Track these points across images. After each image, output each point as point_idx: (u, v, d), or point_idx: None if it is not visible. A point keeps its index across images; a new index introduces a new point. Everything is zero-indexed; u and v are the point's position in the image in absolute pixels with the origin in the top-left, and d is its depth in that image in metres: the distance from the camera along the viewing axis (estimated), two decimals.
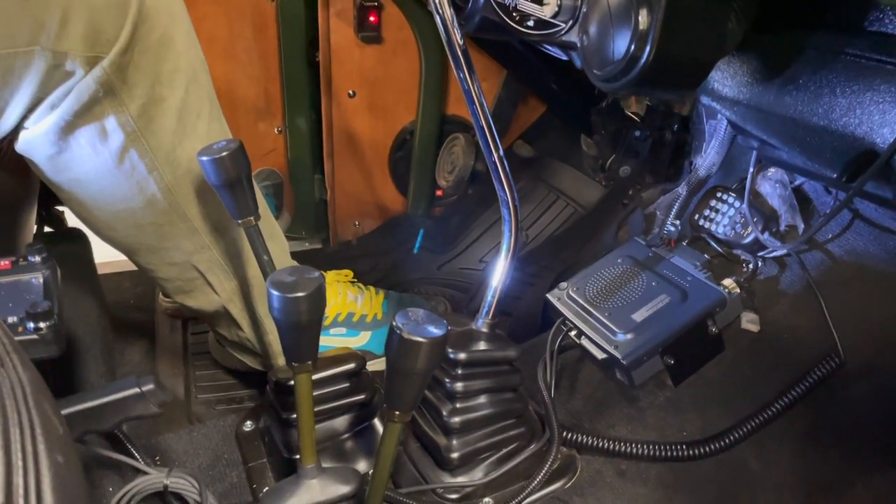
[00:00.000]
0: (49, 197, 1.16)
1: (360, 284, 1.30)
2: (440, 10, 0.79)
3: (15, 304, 0.76)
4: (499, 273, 0.90)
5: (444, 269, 1.63)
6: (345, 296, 1.25)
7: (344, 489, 0.79)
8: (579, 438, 0.97)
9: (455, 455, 0.90)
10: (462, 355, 0.88)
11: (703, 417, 1.01)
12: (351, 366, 0.95)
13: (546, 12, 0.78)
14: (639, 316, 1.01)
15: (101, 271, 1.26)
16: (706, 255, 1.11)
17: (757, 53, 0.78)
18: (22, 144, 0.80)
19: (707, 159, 1.09)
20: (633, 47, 0.65)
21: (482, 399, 0.91)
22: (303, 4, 1.43)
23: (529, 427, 0.96)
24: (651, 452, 0.95)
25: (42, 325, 0.73)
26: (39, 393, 0.44)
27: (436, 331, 0.65)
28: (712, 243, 1.16)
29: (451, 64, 0.81)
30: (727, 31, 0.70)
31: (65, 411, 0.74)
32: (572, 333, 1.05)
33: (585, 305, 1.05)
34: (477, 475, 0.92)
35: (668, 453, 0.95)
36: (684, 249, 1.13)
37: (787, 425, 0.96)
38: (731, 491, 0.94)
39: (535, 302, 1.38)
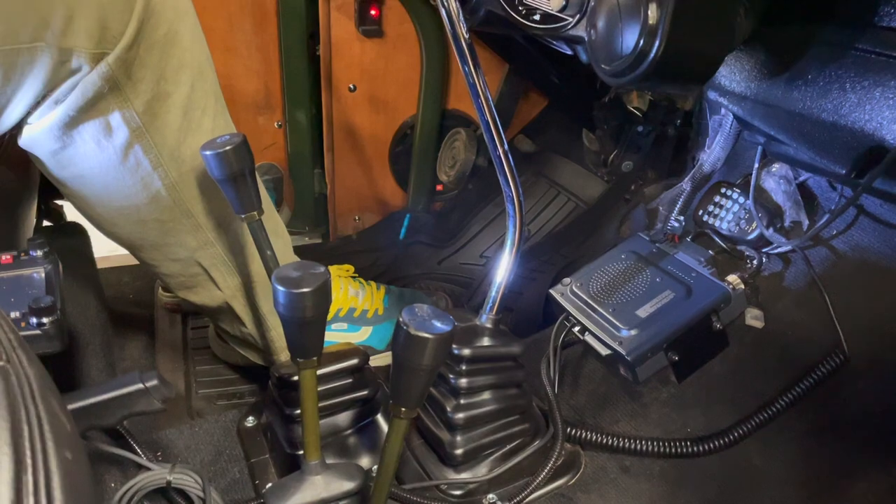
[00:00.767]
0: (49, 191, 1.15)
1: (361, 280, 1.30)
2: (445, 4, 0.79)
3: (17, 299, 0.75)
4: (503, 268, 0.89)
5: (445, 264, 1.62)
6: (346, 291, 1.24)
7: (348, 485, 0.79)
8: (583, 434, 0.97)
9: (459, 451, 0.90)
10: (466, 351, 0.88)
11: (707, 414, 1.01)
12: (354, 361, 0.94)
13: (553, 6, 0.77)
14: (643, 312, 1.01)
15: (100, 266, 1.25)
16: (710, 251, 1.11)
17: (765, 48, 0.77)
18: (25, 140, 0.80)
19: (712, 154, 1.09)
20: (642, 42, 0.64)
21: (486, 395, 0.91)
22: None
23: (533, 423, 0.96)
24: (655, 449, 0.95)
25: (45, 320, 0.73)
26: (46, 389, 0.44)
27: (442, 326, 0.65)
28: (716, 239, 1.15)
29: (455, 58, 0.81)
30: (736, 25, 0.69)
31: (69, 407, 0.73)
32: (576, 329, 1.04)
33: (589, 301, 1.05)
34: (481, 471, 0.91)
35: (672, 449, 0.95)
36: (688, 245, 1.13)
37: (791, 422, 0.96)
38: (734, 487, 0.94)
39: (536, 297, 1.38)
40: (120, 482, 0.84)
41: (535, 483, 0.91)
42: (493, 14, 0.82)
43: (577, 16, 0.77)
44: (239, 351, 1.13)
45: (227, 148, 0.79)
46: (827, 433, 0.95)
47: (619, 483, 0.95)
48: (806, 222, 1.07)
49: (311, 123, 1.57)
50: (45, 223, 1.24)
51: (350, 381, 0.94)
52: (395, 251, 1.63)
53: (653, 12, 0.63)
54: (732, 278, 1.05)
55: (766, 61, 0.77)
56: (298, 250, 1.13)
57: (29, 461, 0.37)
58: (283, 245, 1.05)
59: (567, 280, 1.11)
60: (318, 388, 0.79)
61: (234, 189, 0.83)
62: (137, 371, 0.78)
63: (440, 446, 0.92)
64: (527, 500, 0.91)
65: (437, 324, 0.65)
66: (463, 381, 0.89)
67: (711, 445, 0.95)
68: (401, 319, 0.65)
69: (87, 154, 0.80)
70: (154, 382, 0.77)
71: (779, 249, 1.10)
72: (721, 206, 1.17)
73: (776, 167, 1.09)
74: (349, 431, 0.96)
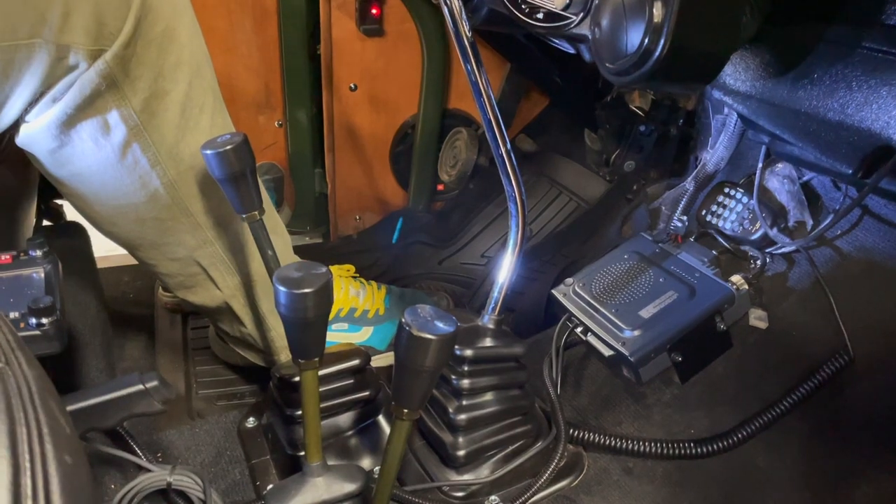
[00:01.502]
0: (48, 190, 1.15)
1: (362, 280, 1.29)
2: (448, 3, 0.78)
3: (17, 300, 0.75)
4: (505, 268, 0.89)
5: (446, 264, 1.62)
6: (347, 291, 1.24)
7: (350, 487, 0.78)
8: (586, 436, 0.97)
9: (461, 452, 0.89)
10: (468, 352, 0.88)
11: (711, 415, 1.00)
12: (355, 362, 0.94)
13: (556, 4, 0.77)
14: (646, 312, 1.00)
15: (100, 265, 1.25)
16: (714, 252, 1.10)
17: (770, 47, 0.77)
18: (23, 138, 0.79)
19: (715, 154, 1.08)
20: (647, 40, 0.64)
21: (489, 396, 0.91)
22: None
23: (536, 424, 0.95)
24: (658, 450, 0.95)
25: (44, 320, 0.72)
26: (45, 391, 0.43)
27: (445, 327, 0.64)
28: (720, 239, 1.15)
29: (456, 57, 0.80)
30: (742, 23, 0.69)
31: (68, 408, 0.73)
32: (578, 330, 1.04)
33: (592, 301, 1.04)
34: (483, 473, 0.91)
35: (676, 451, 0.95)
36: (692, 245, 1.12)
37: (795, 423, 0.96)
38: (738, 489, 0.93)
39: (538, 297, 1.37)
40: (120, 483, 0.83)
41: (537, 485, 0.91)
42: (495, 13, 0.82)
43: (581, 14, 0.77)
44: (239, 352, 1.12)
45: (228, 147, 0.79)
46: (831, 434, 0.94)
47: (622, 485, 0.95)
48: (810, 222, 1.07)
49: (311, 123, 1.56)
50: (45, 223, 1.24)
51: (351, 381, 0.94)
52: (396, 251, 1.63)
53: (658, 10, 0.62)
54: (736, 279, 1.04)
55: (771, 60, 0.77)
56: (299, 250, 1.12)
57: (27, 465, 0.37)
58: (283, 245, 1.04)
59: (569, 280, 1.10)
60: (319, 389, 0.79)
61: (234, 189, 0.82)
62: (137, 372, 0.77)
63: (442, 448, 0.91)
64: (529, 501, 0.91)
65: (440, 325, 0.64)
66: (465, 382, 0.89)
67: (715, 447, 0.95)
68: (403, 320, 0.64)
69: (84, 152, 0.80)
70: (154, 384, 0.76)
71: (783, 250, 1.09)
72: (724, 206, 1.16)
73: (780, 167, 1.09)
74: (351, 432, 0.96)
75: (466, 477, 0.91)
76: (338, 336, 1.22)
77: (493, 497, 0.91)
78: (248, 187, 0.83)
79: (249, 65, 1.46)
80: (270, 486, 0.91)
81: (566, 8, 0.77)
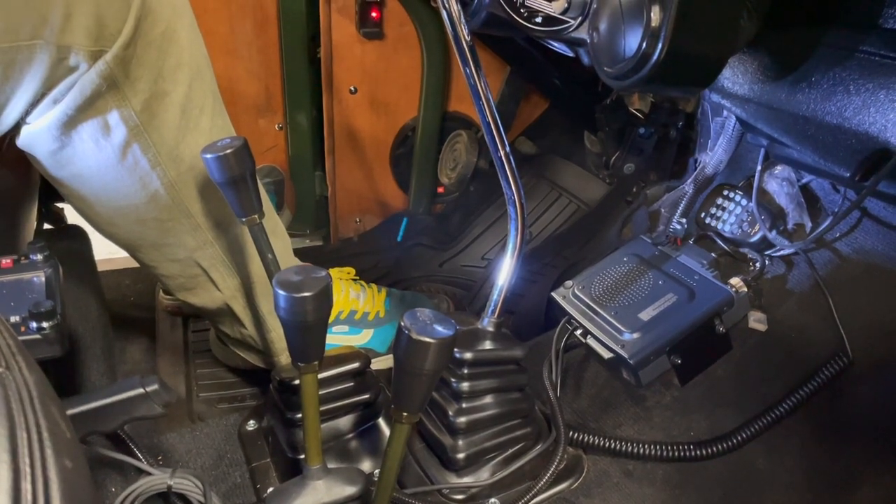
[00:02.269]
0: (49, 194, 1.15)
1: (363, 282, 1.30)
2: (447, 6, 0.79)
3: (17, 304, 0.75)
4: (505, 271, 0.89)
5: (446, 267, 1.62)
6: (347, 293, 1.24)
7: (350, 490, 0.79)
8: (586, 438, 0.97)
9: (461, 455, 0.89)
10: (468, 355, 0.88)
11: (711, 417, 1.00)
12: (355, 365, 0.94)
13: (555, 8, 0.77)
14: (645, 315, 1.00)
15: (100, 268, 1.25)
16: (713, 254, 1.10)
17: (768, 50, 0.77)
18: (24, 139, 0.79)
19: (714, 157, 1.09)
20: (644, 44, 0.64)
21: (488, 399, 0.91)
22: (304, 0, 1.42)
23: (536, 427, 0.95)
24: (658, 452, 0.95)
25: (45, 324, 0.72)
26: (46, 396, 0.43)
27: (444, 331, 0.64)
28: (719, 242, 1.15)
29: (456, 60, 0.80)
30: (740, 27, 0.69)
31: (69, 412, 0.73)
32: (578, 332, 1.04)
33: (591, 304, 1.05)
34: (483, 475, 0.91)
35: (676, 453, 0.95)
36: (691, 248, 1.12)
37: (795, 425, 0.96)
38: (738, 491, 0.93)
39: (538, 300, 1.37)
40: (121, 487, 0.83)
41: (537, 487, 0.91)
42: (494, 16, 0.82)
43: (580, 18, 0.77)
44: (239, 354, 1.12)
45: (228, 151, 0.79)
46: (831, 436, 0.94)
47: (622, 487, 0.95)
48: (809, 225, 1.07)
49: (311, 126, 1.56)
50: (46, 226, 1.24)
51: (351, 384, 0.94)
52: (397, 253, 1.63)
53: (656, 14, 0.62)
54: (735, 281, 1.05)
55: (769, 64, 0.77)
56: (299, 253, 1.13)
57: (28, 469, 0.37)
58: (284, 247, 1.05)
59: (569, 283, 1.10)
60: (320, 392, 0.79)
61: (234, 192, 0.82)
62: (138, 375, 0.77)
63: (442, 450, 0.91)
64: None
65: (439, 328, 0.65)
66: (465, 385, 0.89)
67: (715, 449, 0.95)
68: (402, 324, 0.64)
69: (85, 153, 0.80)
70: (155, 387, 0.76)
71: (782, 252, 1.09)
72: (723, 209, 1.16)
73: (779, 169, 1.09)
74: (351, 435, 0.96)
75: (466, 479, 0.91)
76: (338, 338, 1.22)
77: (492, 500, 0.91)
78: (248, 191, 0.83)
79: (250, 68, 1.47)
80: (271, 490, 0.91)
81: (564, 12, 0.77)
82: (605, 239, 1.47)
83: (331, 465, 0.80)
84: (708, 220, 1.18)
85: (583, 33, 0.78)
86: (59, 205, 1.25)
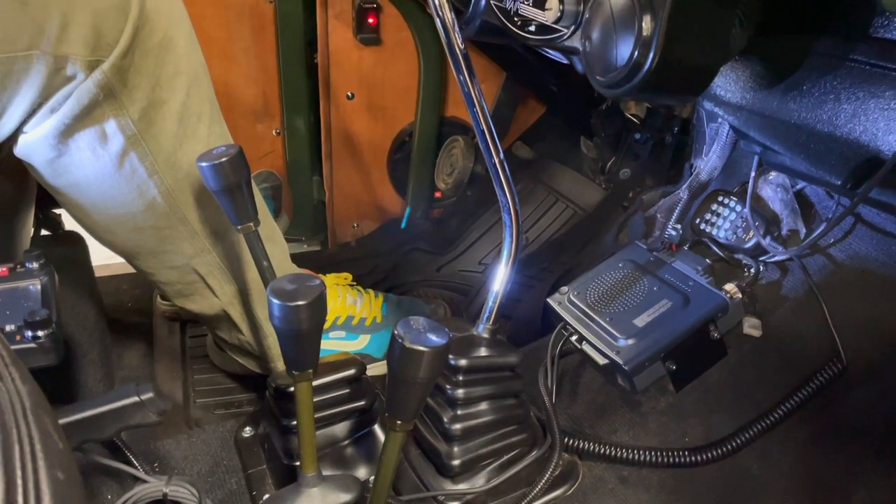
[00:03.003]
0: (46, 200, 1.15)
1: (360, 287, 1.30)
2: (441, 14, 0.79)
3: (13, 312, 0.75)
4: (500, 279, 0.89)
5: (444, 272, 1.62)
6: (344, 299, 1.24)
7: (345, 497, 0.79)
8: (581, 444, 0.97)
9: (456, 462, 0.90)
10: (463, 362, 0.88)
11: (706, 423, 1.00)
12: (351, 372, 0.94)
13: (548, 17, 0.77)
14: (640, 321, 1.01)
15: (98, 274, 1.25)
16: (707, 260, 1.11)
17: (760, 59, 0.77)
18: (21, 148, 0.80)
19: (709, 163, 1.09)
20: (636, 53, 0.64)
21: (483, 405, 0.91)
22: (301, 6, 1.42)
23: (531, 433, 0.96)
24: (653, 458, 0.95)
25: (40, 333, 0.73)
26: (39, 407, 0.44)
27: (438, 339, 0.65)
28: (714, 247, 1.15)
29: (451, 66, 0.80)
30: (731, 36, 0.69)
31: (63, 420, 0.73)
32: (573, 338, 1.04)
33: (587, 310, 1.05)
34: (478, 482, 0.91)
35: (671, 459, 0.95)
36: (685, 254, 1.12)
37: (789, 431, 0.96)
38: (733, 497, 0.93)
39: (534, 305, 1.37)
40: (117, 494, 0.84)
41: (532, 493, 0.91)
42: (489, 24, 0.82)
43: (572, 27, 0.77)
44: (237, 359, 1.13)
45: (224, 159, 0.79)
46: (826, 441, 0.95)
47: (618, 493, 0.95)
48: (803, 231, 1.07)
49: (309, 131, 1.57)
50: (43, 232, 1.24)
51: (347, 391, 0.94)
52: (394, 258, 1.63)
53: (647, 24, 0.63)
54: (730, 287, 1.05)
55: (761, 72, 0.77)
56: (297, 258, 1.13)
57: (20, 481, 0.37)
58: (281, 252, 1.05)
59: (564, 289, 1.11)
60: (315, 399, 0.79)
61: (230, 200, 0.83)
62: (133, 383, 0.77)
63: (437, 457, 0.91)
64: None
65: (433, 336, 0.65)
66: (460, 392, 0.89)
67: (710, 455, 0.95)
68: (396, 332, 0.65)
69: (82, 162, 0.80)
70: (150, 395, 0.76)
71: (776, 258, 1.10)
72: (718, 215, 1.17)
73: (773, 175, 1.09)
74: (346, 442, 0.96)
75: (462, 486, 0.91)
76: (335, 343, 1.22)
77: None
78: (244, 199, 0.83)
79: (247, 73, 1.47)
80: (266, 497, 0.92)
81: (557, 21, 0.77)
82: (602, 244, 1.48)
83: (326, 473, 0.81)
84: (703, 225, 1.18)
85: (576, 42, 0.78)
86: (57, 211, 1.26)
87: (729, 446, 0.95)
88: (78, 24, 0.71)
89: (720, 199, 1.17)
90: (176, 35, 0.81)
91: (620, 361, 0.97)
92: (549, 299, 1.11)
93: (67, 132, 0.77)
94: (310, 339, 0.72)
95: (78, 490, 0.44)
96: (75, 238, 1.22)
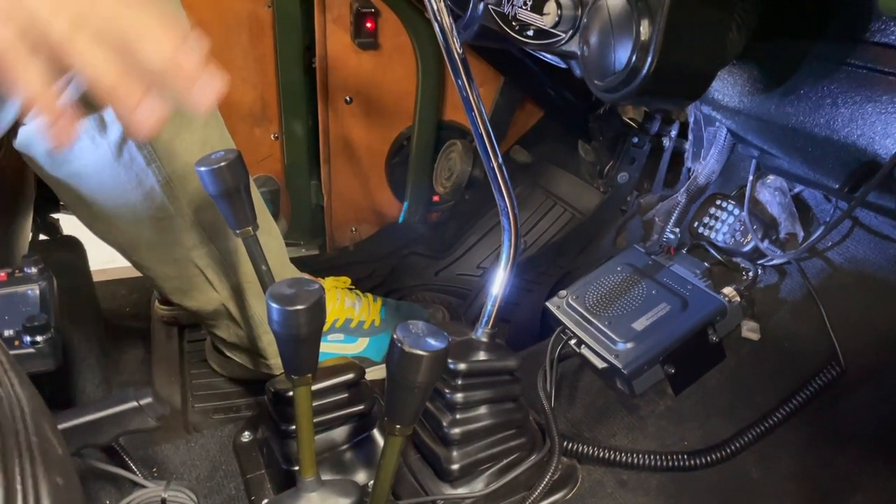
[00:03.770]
0: (45, 205, 1.16)
1: (358, 291, 1.30)
2: (439, 18, 0.79)
3: (11, 317, 0.75)
4: (498, 282, 0.89)
5: (442, 275, 1.62)
6: (342, 302, 1.24)
7: (344, 502, 0.79)
8: (580, 448, 0.97)
9: (455, 466, 0.89)
10: (462, 366, 0.88)
11: (705, 426, 1.00)
12: (350, 376, 0.94)
13: (546, 22, 0.77)
14: (639, 325, 1.01)
15: (96, 279, 1.25)
16: (706, 263, 1.11)
17: (758, 63, 0.77)
18: (21, 140, 0.81)
19: (706, 167, 1.09)
20: (634, 58, 0.64)
21: (482, 410, 0.91)
22: (299, 10, 1.42)
23: (530, 437, 0.96)
24: (652, 462, 0.95)
25: (39, 338, 0.73)
26: (38, 412, 0.44)
27: (437, 344, 0.65)
28: (712, 251, 1.16)
29: (449, 71, 0.81)
30: (728, 41, 0.69)
31: (62, 425, 0.73)
32: (572, 342, 1.05)
33: (585, 314, 1.05)
34: (477, 486, 0.91)
35: (670, 463, 0.95)
36: (684, 257, 1.13)
37: (788, 434, 0.96)
38: (732, 500, 0.93)
39: (533, 308, 1.37)
40: (115, 499, 0.83)
41: (531, 498, 0.91)
42: (487, 29, 0.82)
43: (570, 31, 0.77)
44: (235, 358, 1.12)
45: (222, 164, 0.79)
46: (824, 445, 0.95)
47: (617, 497, 0.95)
48: (801, 234, 1.07)
49: (307, 135, 1.57)
50: (42, 237, 1.24)
51: (346, 395, 0.94)
52: (393, 262, 1.63)
53: (645, 28, 0.63)
54: (728, 290, 1.05)
55: (758, 76, 0.77)
56: (295, 262, 1.13)
57: (19, 486, 0.37)
58: (280, 254, 1.05)
59: (563, 292, 1.11)
60: (314, 404, 0.79)
61: (228, 205, 0.83)
62: (132, 388, 0.78)
63: (436, 461, 0.91)
64: None
65: (432, 341, 0.65)
66: (459, 396, 0.89)
67: (709, 458, 0.95)
68: (395, 336, 0.65)
69: (81, 151, 0.81)
70: (148, 400, 0.76)
71: (774, 261, 1.10)
72: (716, 218, 1.17)
73: (771, 179, 1.09)
74: (345, 446, 0.96)
75: (461, 490, 0.91)
76: (333, 347, 1.22)
77: None
78: (242, 203, 0.83)
79: (245, 77, 1.47)
80: (265, 501, 0.92)
81: (555, 25, 0.77)
82: (600, 247, 1.48)
83: (325, 477, 0.81)
84: (701, 229, 1.18)
85: (574, 46, 0.78)
86: (55, 215, 1.26)
87: (728, 450, 0.95)
88: None
89: (718, 202, 1.17)
90: None
91: (619, 365, 0.97)
92: (547, 303, 1.11)
93: None
94: (308, 343, 0.72)
95: (77, 495, 0.44)
96: (74, 243, 1.22)
